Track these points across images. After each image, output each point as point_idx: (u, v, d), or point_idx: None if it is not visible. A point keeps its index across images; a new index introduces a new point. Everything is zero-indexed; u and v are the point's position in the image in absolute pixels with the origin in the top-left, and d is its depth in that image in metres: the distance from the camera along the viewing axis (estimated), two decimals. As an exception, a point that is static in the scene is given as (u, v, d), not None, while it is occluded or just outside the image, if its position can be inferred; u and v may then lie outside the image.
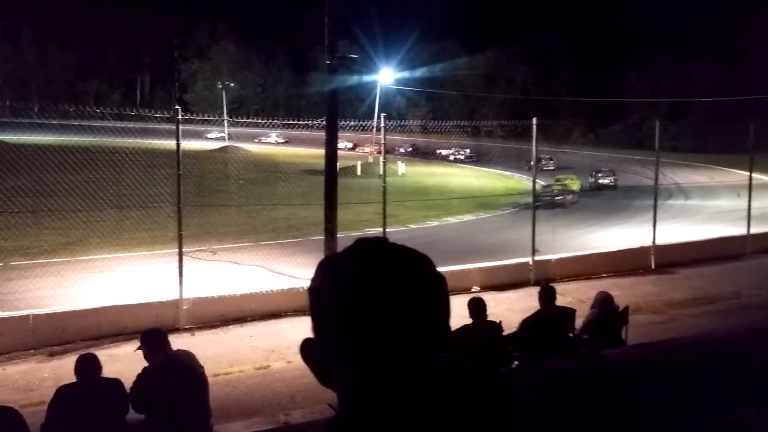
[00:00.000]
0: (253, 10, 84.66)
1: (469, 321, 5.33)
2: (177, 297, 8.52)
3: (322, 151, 9.71)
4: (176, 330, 8.14)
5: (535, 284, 9.81)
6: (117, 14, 79.27)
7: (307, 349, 0.82)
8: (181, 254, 8.74)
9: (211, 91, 72.51)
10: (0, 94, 66.56)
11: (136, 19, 79.37)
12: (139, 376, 4.24)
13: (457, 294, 8.41)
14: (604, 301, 6.25)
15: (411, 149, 47.18)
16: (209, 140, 40.92)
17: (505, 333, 5.63)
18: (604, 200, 26.91)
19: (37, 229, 14.97)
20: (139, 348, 4.34)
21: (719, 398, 4.04)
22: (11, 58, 71.45)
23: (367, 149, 44.76)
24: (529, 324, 5.73)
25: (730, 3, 62.55)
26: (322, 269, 0.83)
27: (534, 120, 11.39)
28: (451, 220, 21.03)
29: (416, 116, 66.86)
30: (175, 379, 4.21)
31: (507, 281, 10.66)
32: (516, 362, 5.50)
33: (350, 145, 47.72)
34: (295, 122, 31.19)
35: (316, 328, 0.81)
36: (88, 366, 4.19)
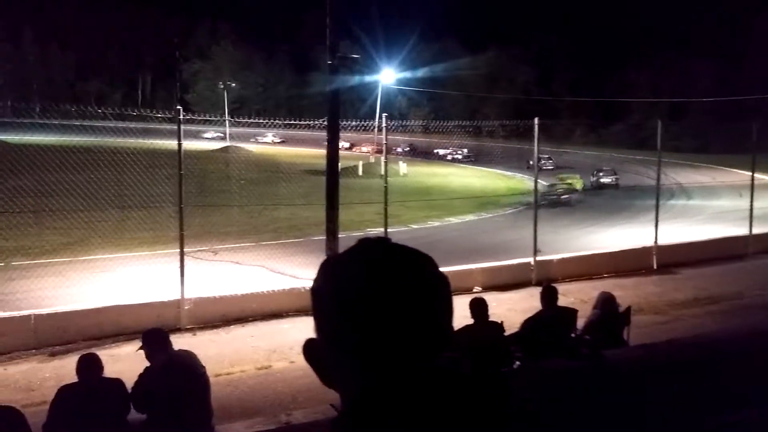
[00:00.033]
0: (254, 9, 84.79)
1: (471, 321, 5.32)
2: (178, 297, 8.52)
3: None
4: (178, 330, 8.14)
5: (537, 284, 9.80)
6: (118, 14, 79.37)
7: (309, 349, 0.81)
8: (182, 254, 8.75)
9: (213, 91, 72.56)
10: (1, 94, 66.70)
11: (137, 19, 79.47)
12: (140, 376, 4.24)
13: (459, 294, 8.39)
14: (606, 302, 6.24)
15: (408, 149, 47.15)
16: (205, 140, 40.82)
17: (506, 333, 5.62)
18: (606, 200, 26.90)
19: (39, 229, 14.99)
20: (140, 348, 4.34)
21: (722, 399, 4.03)
22: (12, 58, 71.57)
23: (364, 149, 44.74)
24: (530, 324, 5.73)
25: (731, 3, 62.50)
26: (324, 269, 0.83)
27: (536, 120, 11.37)
28: (453, 220, 21.02)
29: (418, 116, 66.87)
30: (176, 379, 4.21)
31: (509, 281, 10.65)
32: (518, 363, 5.50)
33: (347, 144, 47.73)
34: (297, 122, 31.17)
35: (318, 328, 0.81)
36: (90, 366, 4.19)
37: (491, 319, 5.53)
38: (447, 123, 17.70)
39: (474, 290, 9.71)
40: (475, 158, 46.12)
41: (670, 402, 4.01)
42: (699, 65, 64.40)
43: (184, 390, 4.20)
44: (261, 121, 33.89)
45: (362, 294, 0.76)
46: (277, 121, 45.67)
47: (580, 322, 6.08)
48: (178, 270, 8.64)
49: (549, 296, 5.83)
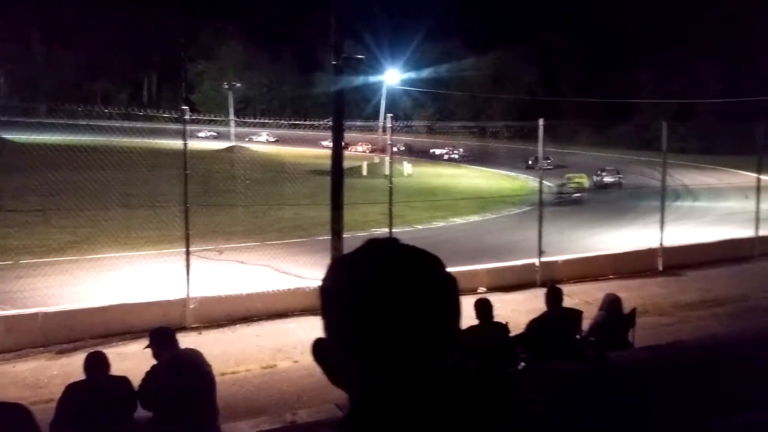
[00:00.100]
0: (259, 10, 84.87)
1: (476, 322, 5.33)
2: (184, 296, 8.55)
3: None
4: (183, 329, 8.17)
5: (542, 285, 9.78)
6: (124, 15, 79.60)
7: (318, 348, 0.83)
8: (188, 253, 8.78)
9: (218, 91, 72.62)
10: (9, 94, 67.05)
11: (142, 20, 79.67)
12: (147, 373, 4.26)
13: (464, 295, 8.23)
14: (611, 303, 6.24)
15: (404, 148, 47.13)
16: (199, 139, 40.65)
17: (511, 334, 5.63)
18: (611, 201, 26.85)
19: (46, 227, 15.06)
20: (147, 346, 4.37)
21: (727, 401, 4.02)
22: (20, 58, 71.92)
23: (360, 148, 44.65)
24: (535, 325, 5.72)
25: (738, 3, 62.16)
26: (333, 269, 0.84)
27: (540, 121, 11.36)
28: (458, 220, 21.00)
29: (422, 117, 66.84)
30: (182, 377, 4.23)
31: (513, 282, 10.64)
32: (522, 363, 5.50)
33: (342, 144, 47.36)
34: (301, 123, 31.18)
35: (326, 327, 0.82)
36: (97, 364, 4.22)
37: (496, 319, 5.54)
38: (451, 123, 17.68)
39: (479, 291, 9.70)
40: (472, 158, 46.06)
41: (675, 404, 4.01)
42: (706, 66, 64.05)
43: (191, 388, 4.22)
44: (266, 121, 33.88)
45: (369, 294, 0.77)
46: (282, 121, 45.63)
47: (586, 324, 6.08)
48: (184, 269, 8.67)
49: (554, 297, 5.83)
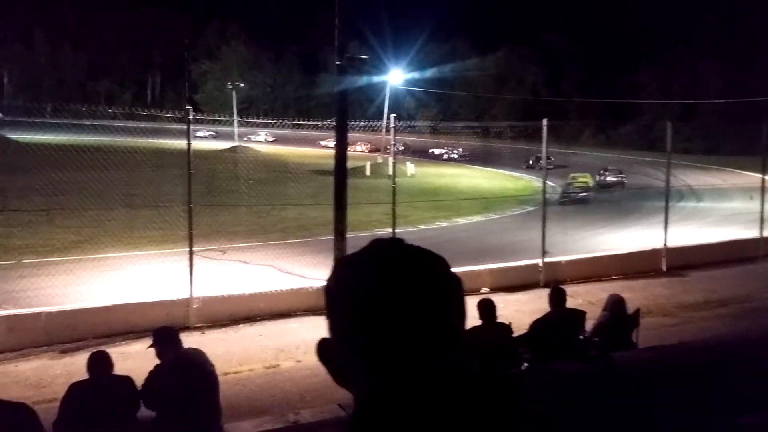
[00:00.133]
0: (262, 10, 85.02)
1: (479, 322, 5.32)
2: (187, 296, 8.56)
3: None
4: (186, 328, 8.17)
5: (545, 286, 9.77)
6: (128, 15, 79.85)
7: (323, 348, 0.82)
8: (191, 253, 8.79)
9: (221, 91, 72.80)
10: (13, 93, 67.28)
11: (146, 20, 79.90)
12: (150, 373, 4.27)
13: (467, 295, 8.34)
14: (615, 304, 6.22)
15: (402, 148, 47.04)
16: (197, 138, 40.61)
17: (514, 335, 5.62)
18: (614, 202, 26.83)
19: (49, 227, 15.10)
20: (151, 345, 4.38)
21: (731, 402, 4.01)
22: (24, 58, 72.18)
23: (358, 148, 44.62)
24: (539, 326, 5.71)
25: (742, 3, 61.98)
26: (337, 269, 0.84)
27: (544, 121, 11.34)
28: (461, 221, 20.99)
29: (426, 117, 66.81)
30: (186, 376, 4.24)
31: (517, 283, 10.62)
32: (525, 364, 5.49)
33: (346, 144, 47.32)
34: (305, 123, 31.22)
35: (331, 327, 0.82)
36: (100, 363, 4.23)
37: (499, 320, 5.53)
38: (455, 124, 17.68)
39: (482, 291, 9.69)
40: (472, 158, 46.02)
41: (679, 404, 4.00)
42: (710, 66, 63.90)
43: (194, 388, 4.23)
44: (269, 121, 33.92)
45: (374, 294, 0.77)
46: (285, 121, 45.69)
47: (589, 324, 6.06)
48: (187, 269, 8.67)
49: (557, 298, 5.82)
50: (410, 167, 34.72)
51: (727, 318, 9.03)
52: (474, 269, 10.44)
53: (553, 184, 25.60)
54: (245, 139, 49.15)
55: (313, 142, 39.64)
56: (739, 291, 10.45)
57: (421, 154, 45.58)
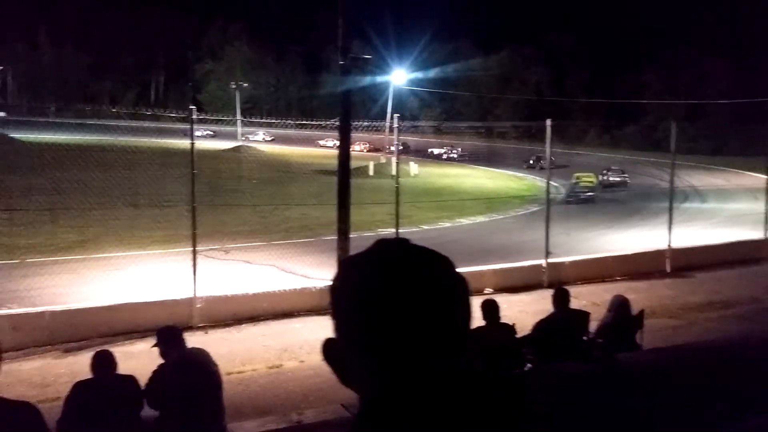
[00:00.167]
0: (265, 10, 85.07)
1: (482, 323, 5.31)
2: (191, 295, 8.57)
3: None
4: (190, 328, 8.18)
5: (549, 287, 9.75)
6: (131, 15, 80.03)
7: (328, 348, 0.82)
8: (195, 253, 8.80)
9: (224, 91, 72.88)
10: (17, 94, 67.53)
11: (150, 20, 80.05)
12: (154, 372, 4.27)
13: (470, 296, 8.38)
14: (619, 305, 6.20)
15: (401, 147, 46.93)
16: (198, 138, 40.59)
17: (518, 335, 5.60)
18: (619, 202, 26.82)
19: (53, 226, 15.15)
20: (155, 345, 4.38)
21: (735, 404, 3.99)
22: (28, 58, 72.39)
23: (357, 147, 44.70)
24: (542, 326, 5.70)
25: (747, 3, 61.75)
26: (342, 269, 0.83)
27: (548, 122, 11.32)
28: (464, 221, 20.98)
29: (429, 117, 66.81)
30: (189, 376, 4.24)
31: (520, 283, 10.60)
32: (529, 365, 5.48)
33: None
34: (308, 122, 31.23)
35: (337, 328, 0.81)
36: (104, 363, 4.23)
37: (503, 320, 5.52)
38: (458, 124, 17.68)
39: (485, 292, 9.67)
40: (472, 158, 45.99)
41: (682, 406, 3.98)
42: (715, 66, 63.72)
43: (197, 387, 4.23)
44: (273, 120, 33.99)
45: (379, 294, 0.76)
46: (288, 121, 45.72)
47: (593, 325, 6.05)
48: (190, 268, 8.69)
49: (561, 298, 5.80)
50: (413, 167, 34.72)
51: (732, 319, 8.99)
52: (477, 269, 10.42)
53: (556, 184, 25.59)
54: (244, 138, 49.23)
55: (312, 142, 39.65)
56: (744, 292, 10.41)
57: (421, 154, 45.62)
